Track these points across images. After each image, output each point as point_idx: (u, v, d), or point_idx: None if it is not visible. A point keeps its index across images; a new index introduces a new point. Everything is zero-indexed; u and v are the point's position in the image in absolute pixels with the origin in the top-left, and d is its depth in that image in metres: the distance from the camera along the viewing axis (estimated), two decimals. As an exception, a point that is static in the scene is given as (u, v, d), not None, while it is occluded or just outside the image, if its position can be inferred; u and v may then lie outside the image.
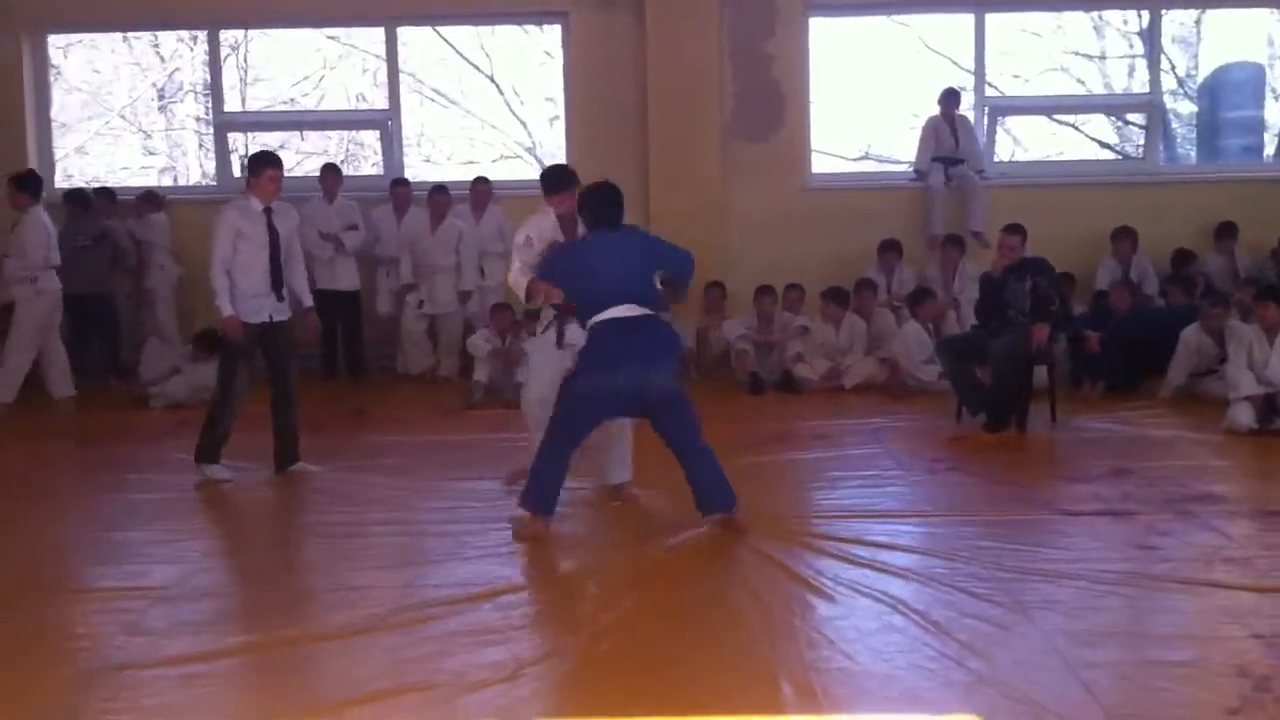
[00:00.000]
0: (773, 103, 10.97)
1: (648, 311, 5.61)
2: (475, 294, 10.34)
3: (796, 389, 9.50)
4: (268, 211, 6.97)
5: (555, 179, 6.18)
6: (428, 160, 13.52)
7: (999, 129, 11.76)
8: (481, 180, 10.71)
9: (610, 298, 5.58)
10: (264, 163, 7.03)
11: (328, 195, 10.40)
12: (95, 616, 4.84)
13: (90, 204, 10.57)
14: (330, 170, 10.61)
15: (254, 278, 6.93)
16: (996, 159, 11.65)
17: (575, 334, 5.92)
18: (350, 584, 5.13)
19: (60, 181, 11.41)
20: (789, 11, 10.91)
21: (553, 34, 11.73)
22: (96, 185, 11.26)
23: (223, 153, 11.59)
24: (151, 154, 14.37)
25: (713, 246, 10.68)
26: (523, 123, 13.96)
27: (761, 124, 10.96)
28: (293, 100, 14.00)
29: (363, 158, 13.90)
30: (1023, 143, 13.14)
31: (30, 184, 9.26)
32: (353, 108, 13.43)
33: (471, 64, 13.41)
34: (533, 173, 13.59)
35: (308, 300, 7.31)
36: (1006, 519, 5.95)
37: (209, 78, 11.86)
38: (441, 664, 4.17)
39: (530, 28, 12.27)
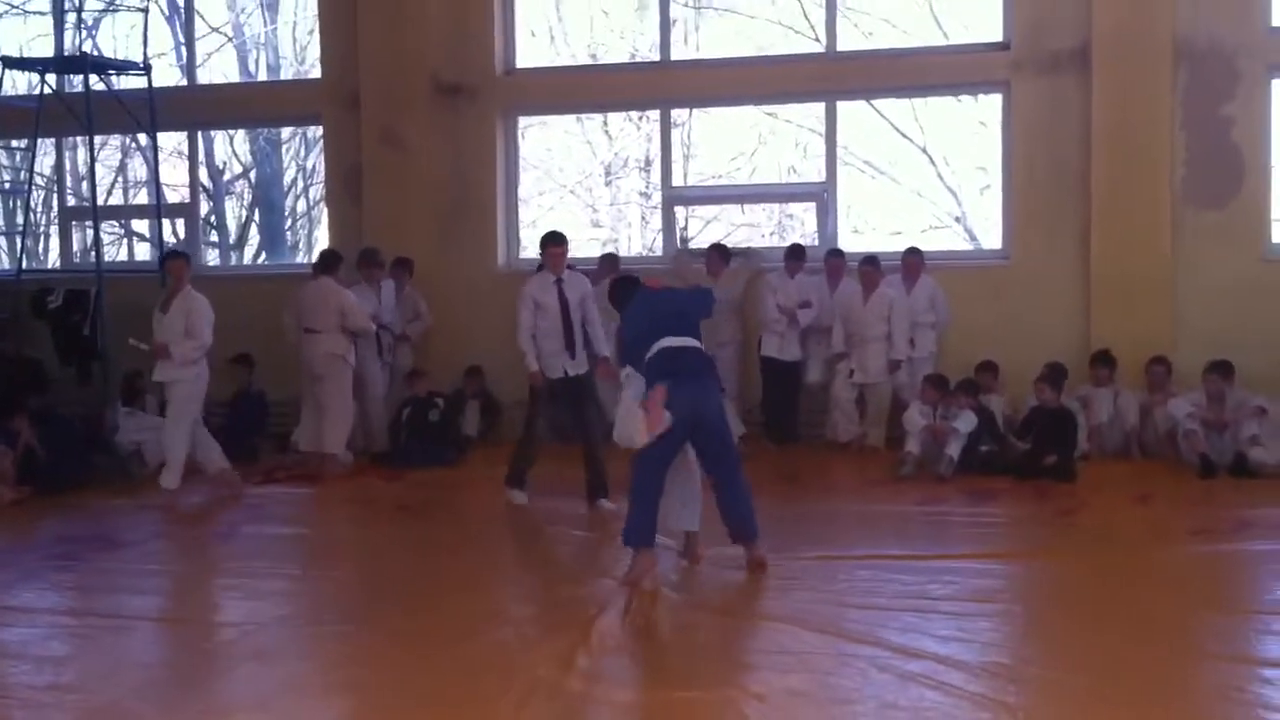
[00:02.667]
0: (1231, 168, 10.40)
1: None
2: (905, 364, 10.33)
3: (1252, 473, 8.84)
4: (559, 282, 8.15)
5: None
6: (855, 230, 13.66)
7: None
8: (913, 251, 10.74)
9: None
10: (550, 241, 8.22)
11: (789, 271, 10.73)
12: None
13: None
14: (796, 250, 10.92)
15: (551, 339, 8.14)
16: None
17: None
18: (786, 649, 5.25)
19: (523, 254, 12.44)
20: (1250, 73, 10.35)
21: (987, 103, 11.64)
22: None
23: (669, 225, 12.23)
24: (597, 226, 15.34)
25: (1157, 320, 10.28)
26: (953, 192, 13.85)
27: (1217, 191, 10.42)
28: (725, 174, 14.55)
29: (791, 229, 14.20)
30: None
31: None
32: (783, 180, 13.80)
33: (904, 135, 13.47)
34: (962, 243, 13.53)
35: (603, 350, 8.27)
36: None
37: (650, 154, 12.57)
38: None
39: (964, 96, 12.23)
